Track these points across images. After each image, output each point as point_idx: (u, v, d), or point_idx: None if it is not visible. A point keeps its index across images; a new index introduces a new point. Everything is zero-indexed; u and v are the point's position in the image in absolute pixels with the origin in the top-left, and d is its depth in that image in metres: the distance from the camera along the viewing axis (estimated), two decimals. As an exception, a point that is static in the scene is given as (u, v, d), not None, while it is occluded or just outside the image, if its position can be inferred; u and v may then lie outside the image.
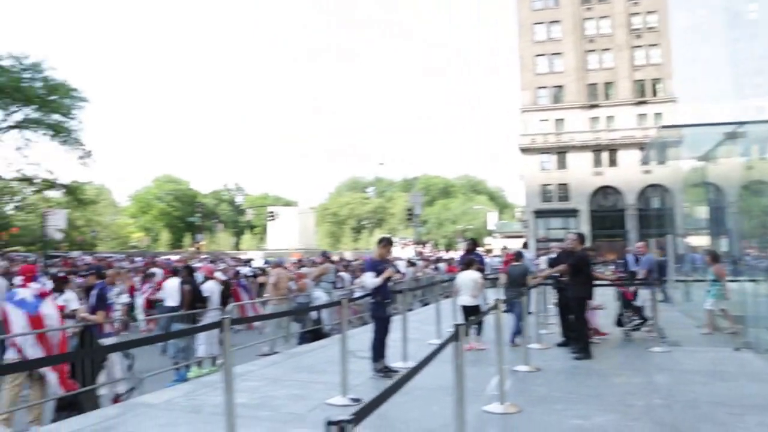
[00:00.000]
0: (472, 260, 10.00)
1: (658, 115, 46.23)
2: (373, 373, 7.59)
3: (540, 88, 49.04)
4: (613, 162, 46.88)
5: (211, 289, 10.03)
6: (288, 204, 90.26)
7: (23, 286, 7.01)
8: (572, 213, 46.89)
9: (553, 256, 11.79)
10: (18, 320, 6.90)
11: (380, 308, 7.73)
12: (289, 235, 73.73)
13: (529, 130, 48.54)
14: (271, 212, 50.39)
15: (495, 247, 47.50)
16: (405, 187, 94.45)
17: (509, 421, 5.67)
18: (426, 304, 20.11)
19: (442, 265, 24.82)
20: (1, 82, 31.57)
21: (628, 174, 45.77)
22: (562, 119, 48.40)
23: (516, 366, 7.95)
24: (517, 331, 9.55)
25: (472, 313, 9.28)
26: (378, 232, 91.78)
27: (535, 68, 48.86)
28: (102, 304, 7.52)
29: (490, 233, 68.46)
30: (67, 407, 7.08)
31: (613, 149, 46.83)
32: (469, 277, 9.62)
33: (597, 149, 47.10)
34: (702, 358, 8.68)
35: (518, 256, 10.78)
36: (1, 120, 33.67)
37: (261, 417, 5.70)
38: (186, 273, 9.65)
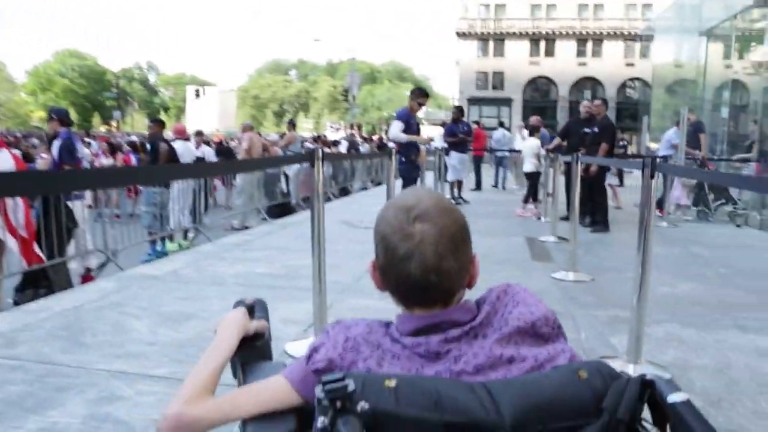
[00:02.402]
0: (537, 127, 10.01)
1: (598, 6, 45.65)
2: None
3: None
4: (550, 52, 46.17)
5: (184, 149, 8.65)
6: (205, 85, 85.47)
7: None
8: (506, 102, 46.33)
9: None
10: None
11: (412, 169, 6.74)
12: (208, 117, 70.27)
13: (469, 14, 46.78)
14: (196, 90, 46.95)
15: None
16: (329, 71, 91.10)
17: (594, 288, 4.92)
18: (379, 184, 19.33)
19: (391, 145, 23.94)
20: None
21: (564, 65, 45.44)
22: (503, 5, 46.78)
23: (541, 236, 7.46)
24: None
25: (534, 179, 9.59)
26: (301, 116, 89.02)
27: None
28: (70, 156, 6.07)
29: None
30: (32, 284, 5.81)
31: (551, 39, 46.00)
32: (530, 144, 9.64)
33: (535, 38, 46.12)
34: (707, 233, 8.33)
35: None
36: None
37: (304, 287, 4.68)
38: (158, 128, 8.16)
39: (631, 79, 44.96)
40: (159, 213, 7.82)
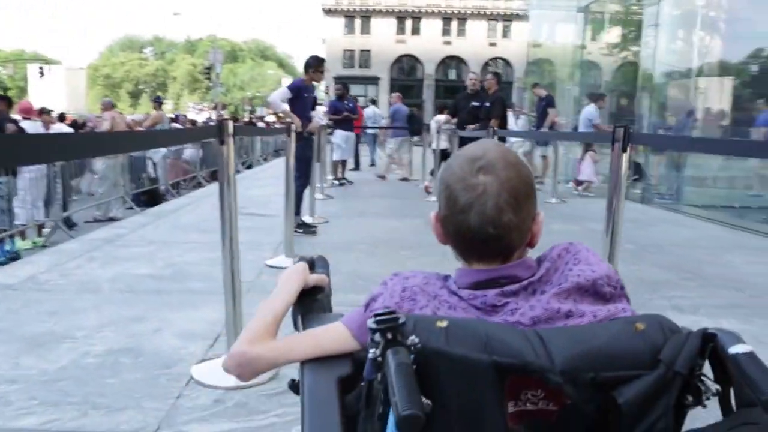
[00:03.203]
0: (445, 104, 9.89)
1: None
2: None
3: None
4: (416, 31, 46.57)
5: (34, 130, 7.47)
6: (49, 63, 78.48)
7: None
8: (373, 80, 46.25)
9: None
10: None
11: (305, 147, 6.12)
12: (55, 97, 64.66)
13: (335, -10, 46.11)
14: (40, 68, 42.66)
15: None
16: (188, 49, 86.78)
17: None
18: (249, 166, 18.49)
19: (261, 125, 23.21)
20: None
21: (429, 44, 46.05)
22: (369, -20, 46.49)
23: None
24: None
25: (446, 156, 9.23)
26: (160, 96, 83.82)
27: None
28: None
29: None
30: None
31: (417, 17, 46.39)
32: (439, 119, 9.69)
33: (401, 16, 46.31)
34: (592, 207, 8.47)
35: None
36: None
37: (198, 290, 4.03)
38: (3, 106, 6.94)
39: (494, 59, 46.44)
40: (6, 206, 6.69)
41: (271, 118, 37.44)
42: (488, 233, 0.95)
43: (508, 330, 0.85)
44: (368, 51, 46.34)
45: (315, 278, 1.22)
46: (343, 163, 10.82)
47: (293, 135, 4.91)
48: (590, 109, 9.96)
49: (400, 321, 0.81)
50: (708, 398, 0.82)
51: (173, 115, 22.02)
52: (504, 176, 0.95)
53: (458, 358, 0.80)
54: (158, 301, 3.77)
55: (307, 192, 6.70)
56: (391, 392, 0.75)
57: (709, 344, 0.83)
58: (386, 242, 5.61)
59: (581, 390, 0.81)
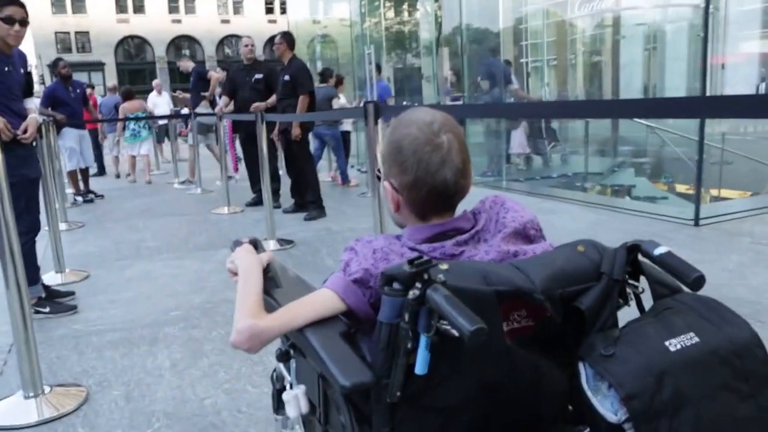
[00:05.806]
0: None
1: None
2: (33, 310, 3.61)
3: None
4: (139, 9, 42.12)
5: None
6: None
7: None
8: (97, 66, 40.96)
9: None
10: None
11: (24, 160, 3.36)
12: None
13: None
14: None
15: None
16: None
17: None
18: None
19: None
20: None
21: (157, 24, 42.11)
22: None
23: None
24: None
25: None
26: None
27: None
28: None
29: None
30: None
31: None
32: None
33: (118, -7, 41.48)
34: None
35: None
36: None
37: None
38: None
39: (229, 36, 43.92)
40: None
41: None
42: (460, 184, 1.11)
43: (494, 265, 1.02)
44: (86, 33, 40.90)
45: (266, 258, 1.32)
46: (84, 172, 8.09)
47: None
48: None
49: (434, 263, 0.91)
50: (631, 298, 1.05)
51: None
52: (456, 132, 1.12)
53: (470, 290, 0.91)
54: None
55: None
56: (450, 318, 0.83)
57: (634, 253, 1.04)
58: (206, 312, 3.46)
59: (555, 304, 0.98)
